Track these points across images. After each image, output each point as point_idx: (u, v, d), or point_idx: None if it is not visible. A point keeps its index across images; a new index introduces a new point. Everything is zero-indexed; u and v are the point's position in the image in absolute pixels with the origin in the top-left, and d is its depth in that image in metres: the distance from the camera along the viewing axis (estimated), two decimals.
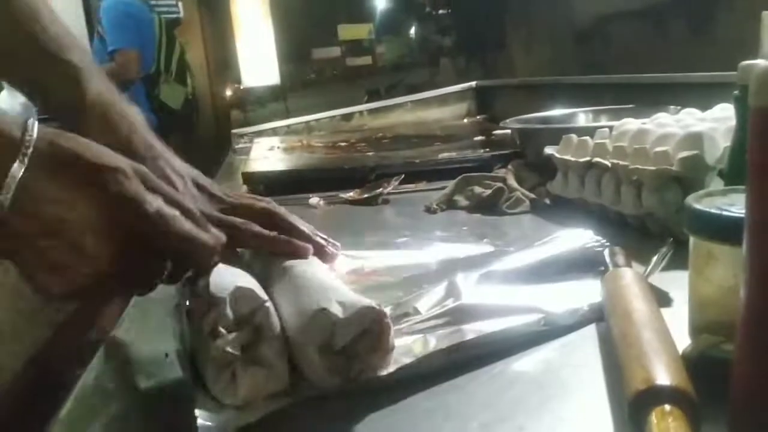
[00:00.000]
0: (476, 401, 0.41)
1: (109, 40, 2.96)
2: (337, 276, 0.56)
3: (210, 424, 0.39)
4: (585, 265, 0.59)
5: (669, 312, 0.43)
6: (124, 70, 2.85)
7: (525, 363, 0.46)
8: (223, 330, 0.42)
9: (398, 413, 0.41)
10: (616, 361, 0.40)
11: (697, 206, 0.41)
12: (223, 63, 5.68)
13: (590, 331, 0.49)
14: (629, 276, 0.50)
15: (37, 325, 2.63)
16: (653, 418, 0.32)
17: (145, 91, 3.06)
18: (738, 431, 0.34)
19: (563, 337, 0.49)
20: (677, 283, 0.47)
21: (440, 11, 3.17)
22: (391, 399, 0.42)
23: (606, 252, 0.58)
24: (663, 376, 0.34)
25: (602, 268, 0.54)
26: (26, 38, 0.58)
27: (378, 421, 0.40)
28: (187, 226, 0.45)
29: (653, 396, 0.33)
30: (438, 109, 2.20)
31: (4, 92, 3.29)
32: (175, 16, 4.11)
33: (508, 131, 1.43)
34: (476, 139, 1.61)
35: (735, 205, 0.40)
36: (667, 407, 0.32)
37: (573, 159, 0.84)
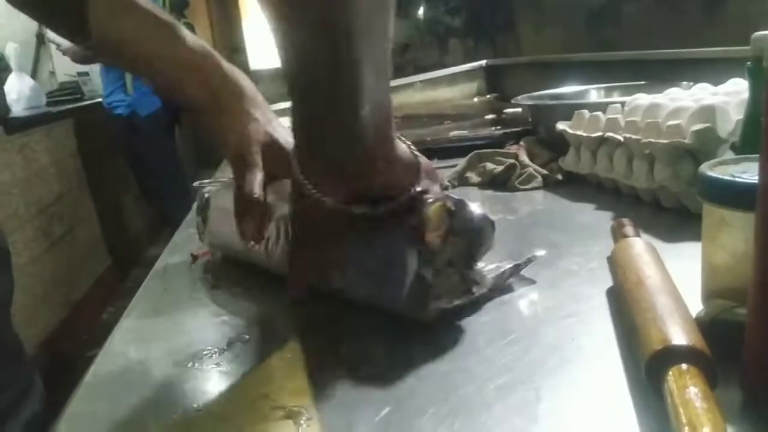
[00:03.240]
0: (494, 365, 0.42)
1: None
2: None
3: None
4: None
5: (681, 282, 0.43)
6: None
7: (540, 330, 0.47)
8: None
9: (417, 376, 0.42)
10: (630, 326, 0.40)
11: (711, 173, 0.42)
12: (231, 46, 5.67)
13: (601, 301, 0.50)
14: (639, 245, 0.50)
15: (50, 308, 2.67)
16: (670, 377, 0.33)
17: None
18: (751, 390, 0.35)
19: (574, 306, 0.50)
20: (689, 254, 0.48)
21: None
22: (409, 362, 0.44)
23: (611, 225, 0.59)
24: (679, 336, 0.35)
25: None
26: None
27: (397, 384, 0.41)
28: None
29: (670, 356, 0.34)
30: (448, 88, 2.19)
31: (13, 75, 3.32)
32: None
33: (519, 109, 1.43)
34: (487, 117, 1.61)
35: (748, 172, 0.41)
36: (684, 366, 0.33)
37: (585, 134, 0.84)
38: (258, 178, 0.57)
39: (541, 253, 0.58)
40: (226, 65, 0.61)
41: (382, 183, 0.49)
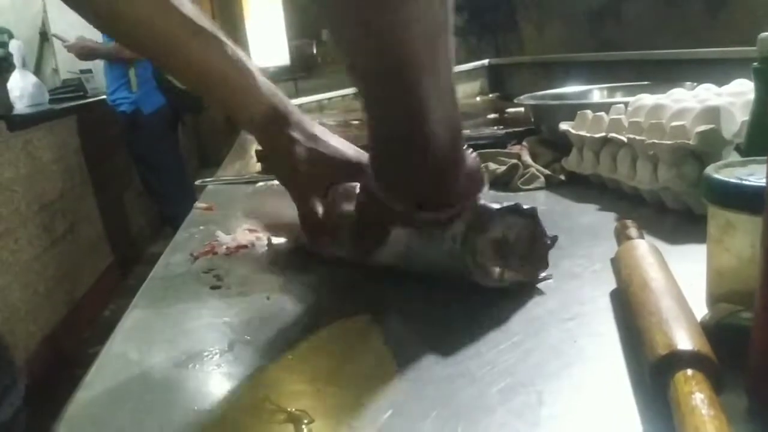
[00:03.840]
0: (496, 368, 0.42)
1: None
2: None
3: None
4: None
5: (685, 285, 0.43)
6: (124, 50, 2.83)
7: (543, 333, 0.46)
8: None
9: (419, 380, 0.42)
10: (634, 330, 0.40)
11: (717, 176, 0.42)
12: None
13: (605, 303, 0.50)
14: (644, 247, 0.50)
15: (52, 305, 2.68)
16: (676, 382, 0.32)
17: (153, 71, 3.05)
18: (757, 396, 0.35)
19: (577, 309, 0.50)
20: (693, 257, 0.48)
21: None
22: (411, 366, 0.43)
23: (615, 226, 0.58)
24: (684, 341, 0.34)
25: None
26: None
27: (398, 388, 0.41)
28: None
29: (675, 360, 0.33)
30: None
31: (16, 72, 3.32)
32: None
33: (522, 109, 1.42)
34: (489, 116, 1.61)
35: (754, 175, 0.40)
36: (690, 371, 0.33)
37: (588, 135, 0.84)
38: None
39: (550, 277, 0.57)
40: (261, 80, 0.62)
41: (449, 193, 0.53)
